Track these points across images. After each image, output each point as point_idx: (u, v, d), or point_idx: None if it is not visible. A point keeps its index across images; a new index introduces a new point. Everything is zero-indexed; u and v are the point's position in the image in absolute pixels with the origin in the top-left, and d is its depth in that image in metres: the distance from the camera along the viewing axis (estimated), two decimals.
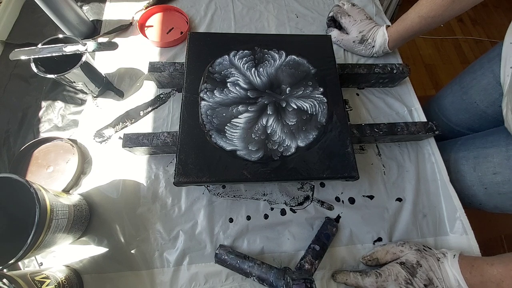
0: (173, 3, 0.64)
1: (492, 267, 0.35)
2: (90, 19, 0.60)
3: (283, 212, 0.46)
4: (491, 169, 0.49)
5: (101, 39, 0.58)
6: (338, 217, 0.46)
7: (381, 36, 0.55)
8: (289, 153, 0.41)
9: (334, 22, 0.62)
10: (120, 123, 0.50)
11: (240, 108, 0.44)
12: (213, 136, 0.42)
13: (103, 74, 0.52)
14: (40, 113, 0.51)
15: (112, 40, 0.55)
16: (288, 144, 0.42)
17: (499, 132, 0.51)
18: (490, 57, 0.53)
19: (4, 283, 0.29)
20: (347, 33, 0.59)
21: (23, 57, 0.44)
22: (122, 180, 0.46)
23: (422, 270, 0.38)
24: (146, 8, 0.62)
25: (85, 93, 0.52)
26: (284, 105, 0.45)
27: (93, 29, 0.59)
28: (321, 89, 0.47)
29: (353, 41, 0.58)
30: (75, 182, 0.46)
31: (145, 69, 0.52)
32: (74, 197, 0.42)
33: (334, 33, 0.61)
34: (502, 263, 0.35)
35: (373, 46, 0.57)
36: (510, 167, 0.47)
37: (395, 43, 0.55)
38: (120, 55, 0.56)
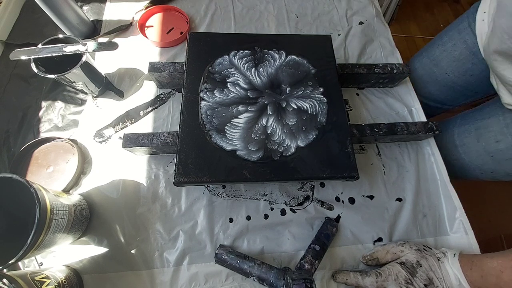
0: (173, 3, 0.64)
1: (492, 259, 0.35)
2: (90, 19, 0.60)
3: (283, 212, 0.46)
4: (492, 138, 0.51)
5: (101, 39, 0.58)
6: (338, 217, 0.46)
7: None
8: (289, 153, 0.41)
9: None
10: (120, 123, 0.50)
11: (240, 108, 0.44)
12: (213, 136, 0.42)
13: (103, 74, 0.52)
14: (40, 113, 0.51)
15: (112, 40, 0.55)
16: (288, 144, 0.42)
17: (494, 103, 0.53)
18: (460, 29, 0.55)
19: (4, 283, 0.29)
20: None
21: (23, 57, 0.44)
22: (122, 180, 0.46)
23: (422, 270, 0.38)
24: (146, 8, 0.62)
25: (85, 93, 0.52)
26: (284, 105, 0.45)
27: (93, 29, 0.59)
28: (321, 89, 0.47)
29: None
30: (75, 182, 0.46)
31: (145, 69, 0.52)
32: (74, 197, 0.42)
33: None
34: (502, 255, 0.35)
35: None
36: (511, 133, 0.49)
37: None
38: (120, 55, 0.56)
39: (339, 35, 0.63)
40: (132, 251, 0.42)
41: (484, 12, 0.49)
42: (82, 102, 0.52)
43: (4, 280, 0.29)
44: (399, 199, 0.48)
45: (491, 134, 0.51)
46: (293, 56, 0.49)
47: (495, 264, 0.35)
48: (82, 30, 0.57)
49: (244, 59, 0.48)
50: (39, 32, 0.58)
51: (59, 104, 0.52)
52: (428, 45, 0.63)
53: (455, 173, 0.51)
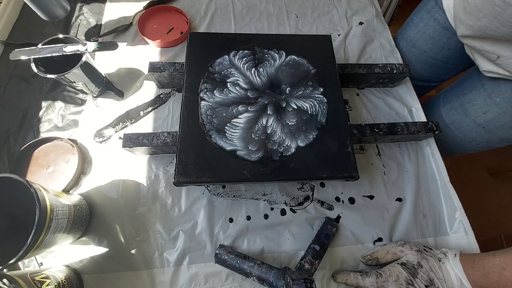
0: (173, 3, 0.64)
1: (494, 257, 0.35)
2: (90, 20, 0.60)
3: (283, 212, 0.46)
4: (479, 110, 0.52)
5: (101, 39, 0.58)
6: (338, 217, 0.46)
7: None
8: (289, 153, 0.41)
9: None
10: (120, 123, 0.50)
11: (240, 108, 0.44)
12: (213, 136, 0.42)
13: (103, 74, 0.52)
14: (40, 113, 0.51)
15: (112, 40, 0.55)
16: (288, 144, 0.42)
17: (471, 76, 0.55)
18: (428, 8, 0.57)
19: (4, 283, 0.29)
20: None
21: (23, 57, 0.44)
22: (122, 180, 0.46)
23: (423, 271, 0.37)
24: (146, 8, 0.62)
25: (85, 93, 0.52)
26: (284, 105, 0.45)
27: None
28: (321, 89, 0.47)
29: None
30: (75, 182, 0.46)
31: (145, 69, 0.52)
32: (74, 197, 0.42)
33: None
34: (504, 252, 0.35)
35: None
36: (495, 102, 0.50)
37: None
38: (120, 55, 0.56)
39: (339, 35, 0.63)
40: (132, 251, 0.42)
41: None
42: (82, 102, 0.52)
43: (4, 280, 0.29)
44: (399, 199, 0.48)
45: (477, 107, 0.53)
46: (293, 56, 0.49)
47: (497, 261, 0.35)
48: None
49: (244, 59, 0.48)
50: (39, 32, 0.58)
51: (59, 104, 0.52)
52: (401, 28, 0.65)
53: (452, 150, 0.53)
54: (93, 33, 0.59)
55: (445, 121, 0.58)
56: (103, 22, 0.61)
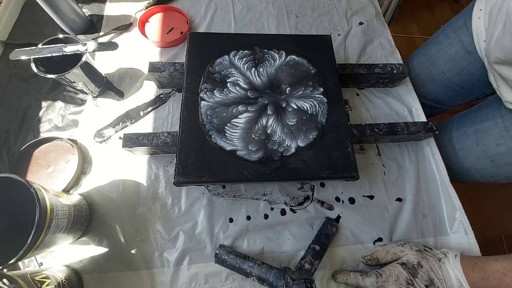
0: (173, 3, 0.64)
1: (497, 262, 0.35)
2: (90, 18, 0.60)
3: (283, 212, 0.46)
4: (492, 141, 0.50)
5: (101, 39, 0.58)
6: (338, 217, 0.46)
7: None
8: (289, 153, 0.41)
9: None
10: (120, 123, 0.50)
11: (240, 108, 0.44)
12: (213, 136, 0.42)
13: (103, 74, 0.52)
14: (40, 113, 0.51)
15: (112, 40, 0.55)
16: (288, 144, 0.42)
17: (490, 104, 0.53)
18: (456, 27, 0.55)
19: (4, 283, 0.29)
20: None
21: (23, 57, 0.44)
22: (122, 180, 0.46)
23: (423, 271, 0.37)
24: (146, 8, 0.62)
25: (85, 93, 0.52)
26: (284, 105, 0.45)
27: (90, 25, 0.59)
28: (321, 89, 0.47)
29: None
30: (75, 182, 0.46)
31: (145, 69, 0.52)
32: (74, 197, 0.42)
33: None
34: (506, 258, 0.35)
35: None
36: (511, 136, 0.48)
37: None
38: (120, 55, 0.56)
39: (339, 35, 0.63)
40: (132, 251, 0.42)
41: (480, 10, 0.49)
42: (82, 102, 0.52)
43: (4, 280, 0.29)
44: (399, 199, 0.48)
45: (491, 138, 0.50)
46: (293, 56, 0.49)
47: (498, 266, 0.35)
48: (79, 25, 0.57)
49: (244, 59, 0.48)
50: (39, 32, 0.58)
51: (59, 104, 0.52)
52: (425, 43, 0.63)
53: (453, 176, 0.51)
54: (93, 33, 0.59)
55: (454, 146, 0.56)
56: (103, 22, 0.61)
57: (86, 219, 0.42)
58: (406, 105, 0.56)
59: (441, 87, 0.60)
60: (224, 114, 0.43)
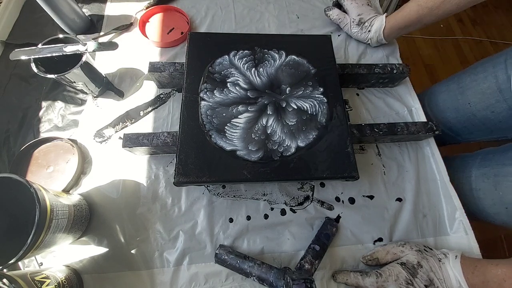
0: (174, 3, 0.64)
1: (497, 267, 0.35)
2: (90, 18, 0.60)
3: (283, 212, 0.46)
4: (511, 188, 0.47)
5: (102, 39, 0.58)
6: (338, 217, 0.46)
7: (379, 22, 0.57)
8: (289, 153, 0.41)
9: (339, 7, 0.64)
10: (120, 123, 0.50)
11: (240, 108, 0.44)
12: (213, 136, 0.42)
13: (103, 74, 0.52)
14: (40, 113, 0.51)
15: (112, 40, 0.55)
16: (288, 144, 0.42)
17: None
18: (495, 63, 0.52)
19: (4, 283, 0.29)
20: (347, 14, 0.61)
21: (23, 57, 0.44)
22: (122, 180, 0.46)
23: (423, 271, 0.37)
24: (146, 8, 0.62)
25: (85, 93, 0.52)
26: (284, 105, 0.45)
27: (90, 25, 0.59)
28: (321, 89, 0.47)
29: (352, 21, 0.59)
30: (75, 182, 0.46)
31: (145, 69, 0.52)
32: (74, 197, 0.42)
33: (335, 11, 0.62)
34: (507, 263, 0.35)
35: (369, 31, 0.58)
36: None
37: (390, 30, 0.56)
38: (121, 55, 0.56)
39: (339, 35, 0.63)
40: (132, 251, 0.42)
41: None
42: (82, 102, 0.52)
43: (4, 280, 0.29)
44: (399, 199, 0.48)
45: (511, 184, 0.47)
46: (293, 56, 0.49)
47: (499, 271, 0.35)
48: (79, 25, 0.57)
49: (244, 59, 0.48)
50: (39, 32, 0.58)
51: (59, 104, 0.52)
52: (461, 71, 0.60)
53: (467, 213, 0.48)
54: (93, 32, 0.59)
55: (471, 185, 0.53)
56: (103, 22, 0.61)
57: (86, 219, 0.42)
58: (406, 105, 0.56)
59: (463, 118, 0.58)
60: (224, 114, 0.43)
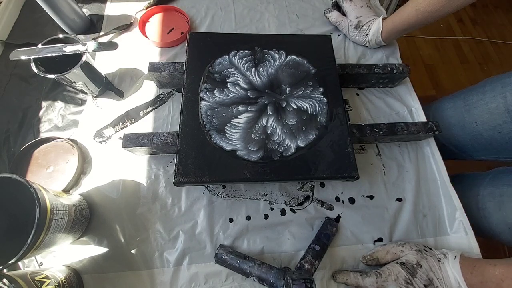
0: (174, 3, 0.64)
1: (495, 267, 0.35)
2: (90, 18, 0.60)
3: (283, 212, 0.46)
4: None
5: (101, 39, 0.58)
6: (338, 217, 0.46)
7: (376, 25, 0.57)
8: (289, 153, 0.41)
9: (338, 8, 0.64)
10: (120, 123, 0.50)
11: (240, 108, 0.44)
12: (213, 136, 0.42)
13: (103, 74, 0.52)
14: (40, 113, 0.51)
15: (112, 40, 0.55)
16: (288, 144, 0.42)
17: None
18: (504, 83, 0.51)
19: (4, 283, 0.29)
20: (346, 17, 0.62)
21: (23, 57, 0.44)
22: (122, 180, 0.46)
23: (422, 271, 0.38)
24: (146, 8, 0.62)
25: (85, 93, 0.52)
26: (284, 105, 0.45)
27: (90, 25, 0.59)
28: (321, 89, 0.47)
29: (350, 25, 0.60)
30: (75, 182, 0.46)
31: (145, 69, 0.52)
32: (74, 197, 0.42)
33: (334, 14, 0.63)
34: (505, 263, 0.35)
35: (367, 34, 0.58)
36: None
37: (388, 34, 0.57)
38: (120, 55, 0.56)
39: (339, 35, 0.63)
40: (132, 251, 0.42)
41: None
42: (82, 102, 0.52)
43: (4, 280, 0.29)
44: (399, 199, 0.48)
45: None
46: (293, 56, 0.49)
47: (497, 272, 0.35)
48: (79, 25, 0.57)
49: (244, 59, 0.48)
50: (39, 32, 0.58)
51: (59, 104, 0.52)
52: (468, 88, 0.59)
53: (474, 230, 0.48)
54: (93, 32, 0.59)
55: (477, 205, 0.53)
56: (103, 22, 0.61)
57: (86, 219, 0.42)
58: (406, 105, 0.56)
59: (468, 137, 0.56)
60: (224, 114, 0.43)
